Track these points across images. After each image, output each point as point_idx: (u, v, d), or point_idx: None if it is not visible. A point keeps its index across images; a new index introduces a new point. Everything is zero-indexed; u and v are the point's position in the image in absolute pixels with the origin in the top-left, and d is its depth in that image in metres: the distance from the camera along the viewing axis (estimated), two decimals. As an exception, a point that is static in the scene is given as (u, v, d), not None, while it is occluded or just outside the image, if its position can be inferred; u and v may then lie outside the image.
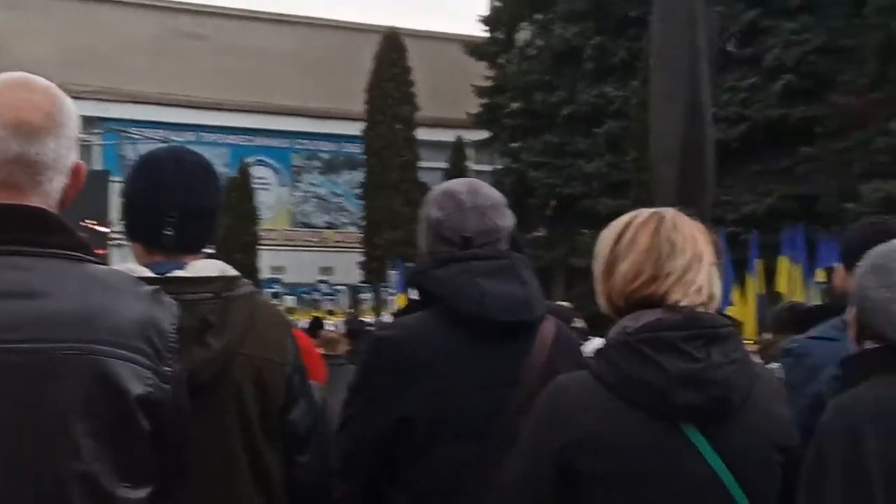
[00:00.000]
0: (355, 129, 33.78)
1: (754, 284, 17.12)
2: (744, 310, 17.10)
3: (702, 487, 2.52)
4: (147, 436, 2.08)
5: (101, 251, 20.29)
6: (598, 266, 2.73)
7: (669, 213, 2.74)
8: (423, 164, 33.26)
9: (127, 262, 2.89)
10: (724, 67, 24.32)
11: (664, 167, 11.66)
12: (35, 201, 2.12)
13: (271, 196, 38.39)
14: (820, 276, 14.04)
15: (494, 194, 3.31)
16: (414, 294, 3.32)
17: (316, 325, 13.43)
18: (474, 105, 33.69)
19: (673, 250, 2.65)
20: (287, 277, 32.10)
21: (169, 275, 2.76)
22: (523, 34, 32.99)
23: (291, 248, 37.20)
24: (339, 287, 28.41)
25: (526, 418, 2.70)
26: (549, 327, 3.16)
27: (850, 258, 3.29)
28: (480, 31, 34.36)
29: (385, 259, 28.25)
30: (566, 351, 3.16)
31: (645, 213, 2.76)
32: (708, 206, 11.88)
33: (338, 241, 38.13)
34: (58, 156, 2.16)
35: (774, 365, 4.09)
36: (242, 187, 32.86)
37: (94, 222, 23.07)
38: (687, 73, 11.44)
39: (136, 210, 2.89)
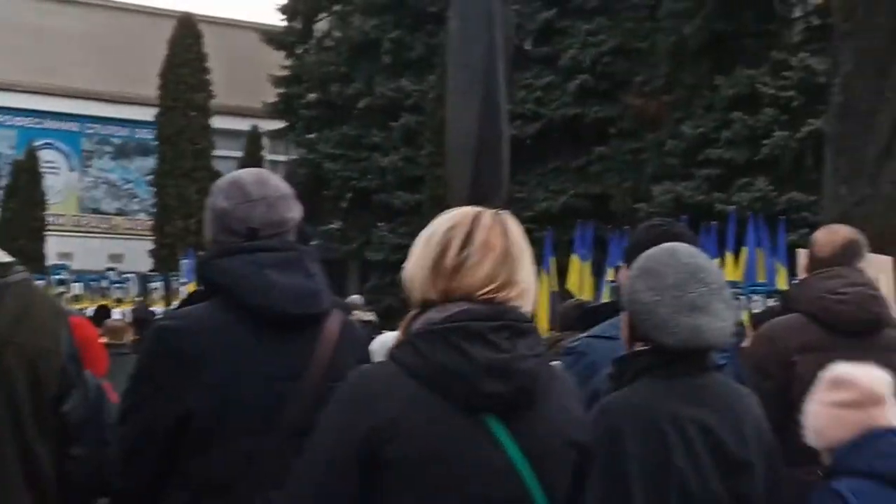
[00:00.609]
0: (149, 114, 33.11)
1: (548, 282, 17.44)
2: (537, 307, 17.40)
3: (499, 477, 2.53)
4: None
5: None
6: (433, 259, 2.65)
7: (503, 214, 2.75)
8: (218, 152, 32.77)
9: None
10: (520, 65, 24.55)
11: (459, 163, 11.70)
12: None
13: (60, 181, 37.27)
14: (611, 274, 14.36)
15: (283, 186, 3.27)
16: None
17: (101, 313, 13.13)
18: (271, 95, 33.37)
19: (522, 256, 2.69)
20: (75, 264, 31.19)
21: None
22: (322, 25, 32.84)
23: (80, 235, 36.23)
24: (128, 275, 27.75)
25: (314, 411, 2.68)
26: (335, 320, 3.14)
27: (633, 258, 3.36)
28: (278, 21, 34.11)
29: (176, 248, 27.77)
30: (352, 345, 3.14)
31: (486, 213, 2.73)
32: (502, 203, 12.01)
33: (128, 229, 37.32)
34: None
35: (557, 362, 4.16)
36: (30, 171, 31.83)
37: None
38: (483, 70, 11.51)
39: None
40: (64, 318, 2.93)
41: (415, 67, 28.87)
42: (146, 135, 35.31)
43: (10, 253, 2.97)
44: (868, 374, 3.54)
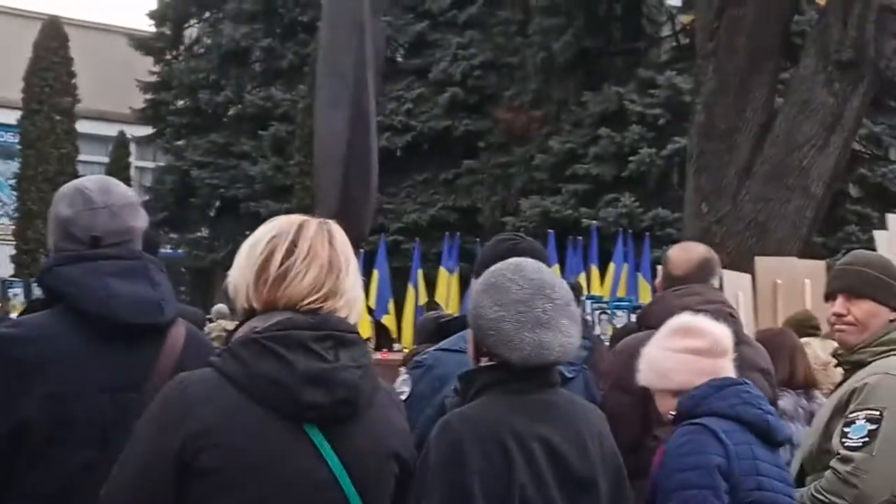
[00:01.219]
0: (12, 117, 32.47)
1: (414, 295, 17.45)
2: (401, 320, 17.42)
3: (318, 488, 2.51)
4: None
5: None
6: (257, 268, 2.62)
7: (329, 223, 2.72)
8: (84, 157, 32.23)
9: None
10: (391, 77, 24.65)
11: (328, 173, 11.64)
12: None
13: (-82, 182, 36.50)
14: (474, 287, 14.40)
15: (128, 194, 3.22)
16: None
17: (-44, 321, 12.76)
18: (139, 100, 32.95)
19: (347, 266, 2.65)
20: (-66, 269, 30.59)
21: None
22: (192, 31, 32.52)
23: (-61, 239, 35.54)
24: (-12, 280, 27.06)
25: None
26: (179, 331, 3.10)
27: (481, 272, 3.35)
28: (147, 26, 33.70)
29: (38, 253, 27.20)
30: (197, 355, 3.05)
31: (311, 222, 2.69)
32: (371, 214, 12.00)
33: (-11, 233, 36.66)
34: None
35: (406, 376, 4.15)
36: None
37: None
38: (353, 81, 11.48)
39: None
40: None
41: (285, 76, 28.75)
42: (9, 138, 34.55)
43: None
44: (717, 326, 3.71)
